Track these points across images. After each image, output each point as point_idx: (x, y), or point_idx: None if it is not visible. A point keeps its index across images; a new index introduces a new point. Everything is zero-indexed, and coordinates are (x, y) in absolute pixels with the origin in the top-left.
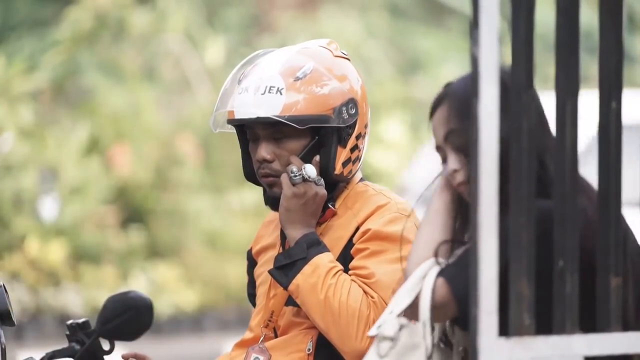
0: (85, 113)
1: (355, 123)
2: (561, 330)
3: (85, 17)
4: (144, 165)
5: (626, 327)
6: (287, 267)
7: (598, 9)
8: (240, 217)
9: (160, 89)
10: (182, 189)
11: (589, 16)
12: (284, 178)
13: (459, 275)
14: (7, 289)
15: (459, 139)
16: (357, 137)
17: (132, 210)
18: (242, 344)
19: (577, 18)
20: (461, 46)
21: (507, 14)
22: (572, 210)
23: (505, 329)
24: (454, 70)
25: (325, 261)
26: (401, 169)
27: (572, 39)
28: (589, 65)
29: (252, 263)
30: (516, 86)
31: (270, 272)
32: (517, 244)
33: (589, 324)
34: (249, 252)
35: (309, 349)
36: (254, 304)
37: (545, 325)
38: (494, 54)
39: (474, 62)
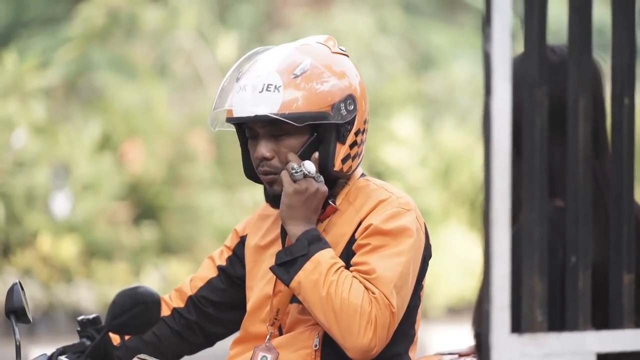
0: (97, 109)
1: (354, 119)
2: (573, 326)
3: (97, 13)
4: (156, 162)
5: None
6: (288, 264)
7: (611, 6)
8: (252, 213)
9: (172, 85)
10: (194, 186)
11: (601, 13)
12: (285, 175)
13: None
14: (22, 285)
15: None
16: (356, 133)
17: (144, 206)
18: (241, 341)
19: (589, 14)
20: (474, 42)
21: (519, 10)
22: (584, 206)
23: (517, 325)
24: (466, 66)
25: (326, 257)
26: (413, 166)
27: (585, 36)
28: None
29: (241, 243)
30: (529, 83)
31: (271, 268)
32: (529, 241)
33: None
34: (243, 237)
35: (315, 345)
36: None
37: (557, 321)
38: (506, 51)
39: (487, 58)
